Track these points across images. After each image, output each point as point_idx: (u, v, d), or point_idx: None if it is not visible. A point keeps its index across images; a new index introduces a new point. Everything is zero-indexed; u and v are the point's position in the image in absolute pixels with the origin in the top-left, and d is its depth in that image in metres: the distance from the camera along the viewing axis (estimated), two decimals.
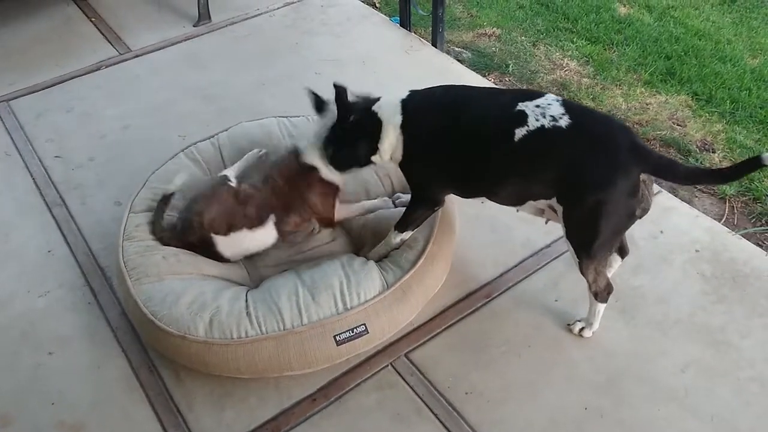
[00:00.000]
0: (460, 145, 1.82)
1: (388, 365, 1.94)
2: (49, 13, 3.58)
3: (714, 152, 2.77)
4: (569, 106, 1.73)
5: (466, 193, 1.98)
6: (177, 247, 2.03)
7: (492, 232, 2.31)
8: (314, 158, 2.05)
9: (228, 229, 2.00)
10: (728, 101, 3.03)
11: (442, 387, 1.88)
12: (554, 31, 3.56)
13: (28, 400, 1.88)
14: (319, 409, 1.84)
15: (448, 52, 3.28)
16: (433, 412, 1.83)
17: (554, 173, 1.73)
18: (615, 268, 2.07)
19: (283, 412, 1.84)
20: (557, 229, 2.28)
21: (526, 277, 2.17)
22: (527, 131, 1.70)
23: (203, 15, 3.45)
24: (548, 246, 2.26)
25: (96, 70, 3.15)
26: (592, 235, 1.74)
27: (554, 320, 2.04)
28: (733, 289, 2.13)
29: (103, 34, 3.39)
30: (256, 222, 2.02)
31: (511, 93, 1.90)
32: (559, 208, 1.77)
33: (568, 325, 2.02)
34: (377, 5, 3.76)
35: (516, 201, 1.88)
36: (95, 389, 1.90)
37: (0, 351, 2.00)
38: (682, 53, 3.36)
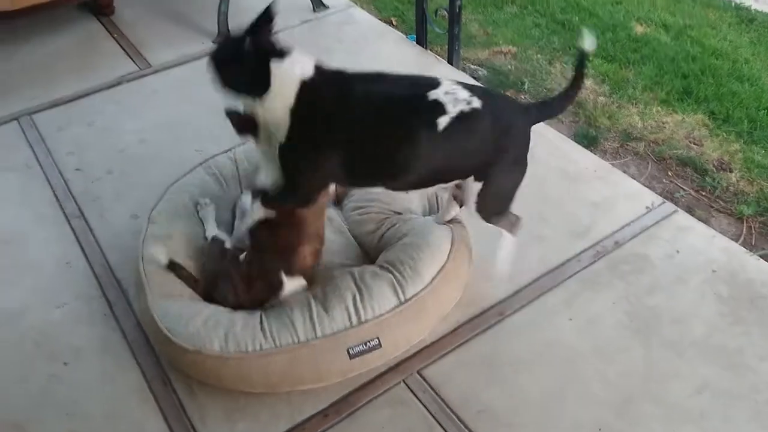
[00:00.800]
0: (365, 133, 1.72)
1: (400, 382, 1.93)
2: (72, 29, 3.65)
3: (731, 172, 2.76)
4: (468, 87, 1.76)
5: (360, 184, 1.90)
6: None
7: None
8: None
9: (263, 302, 1.98)
10: (746, 121, 3.01)
11: (454, 405, 1.87)
12: (570, 49, 3.57)
13: (43, 410, 1.89)
14: (331, 424, 1.84)
15: (463, 70, 3.30)
16: (445, 430, 1.82)
17: (477, 154, 1.77)
18: (453, 214, 2.12)
19: (295, 428, 1.83)
20: (572, 247, 2.30)
21: (540, 295, 2.16)
22: (450, 118, 1.70)
23: (223, 32, 3.50)
24: (562, 264, 2.25)
25: (116, 85, 3.20)
26: (507, 201, 1.91)
27: (568, 339, 2.03)
28: (750, 310, 2.10)
29: (124, 50, 3.45)
30: (279, 288, 1.99)
31: (414, 81, 1.79)
32: (476, 185, 1.82)
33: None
34: (394, 23, 3.80)
35: (423, 185, 1.88)
36: (109, 401, 1.91)
37: (16, 361, 2.02)
38: (699, 72, 3.35)
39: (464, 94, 1.73)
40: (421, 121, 1.71)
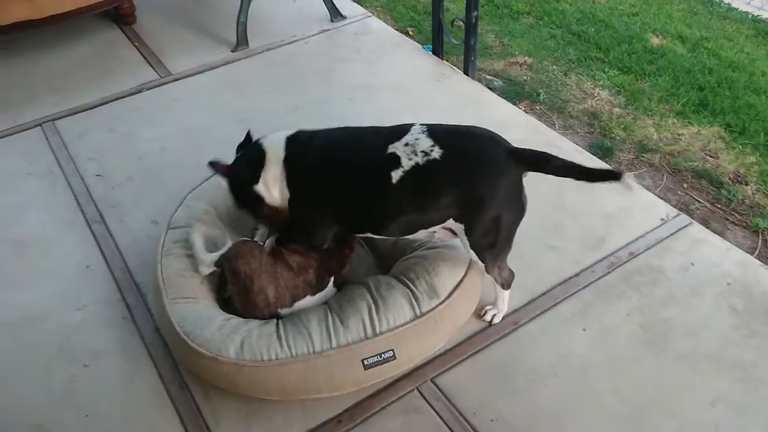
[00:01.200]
0: (343, 187, 1.90)
1: (414, 389, 1.95)
2: (94, 37, 3.72)
3: (747, 185, 2.75)
4: (435, 134, 1.81)
5: (353, 229, 2.02)
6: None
7: (519, 259, 2.30)
8: None
9: (293, 300, 2.01)
10: (762, 133, 3.00)
11: (467, 413, 1.88)
12: (586, 60, 3.58)
13: (63, 411, 1.93)
14: (345, 431, 1.86)
15: (479, 80, 3.32)
16: None
17: (444, 202, 1.82)
18: None
19: None
20: (586, 258, 2.31)
21: (553, 305, 2.17)
22: (403, 172, 1.78)
23: (241, 41, 3.56)
24: (576, 275, 2.26)
25: (137, 92, 3.26)
26: (494, 241, 1.88)
27: (581, 350, 2.04)
28: (765, 323, 2.09)
29: (144, 58, 3.51)
30: (317, 288, 2.05)
31: (382, 134, 1.90)
32: (459, 226, 1.86)
33: (481, 316, 2.10)
34: (410, 33, 3.83)
35: (407, 232, 1.95)
36: (128, 403, 1.95)
37: (37, 362, 2.06)
38: (716, 84, 3.35)
39: (426, 144, 1.79)
40: (378, 175, 1.82)
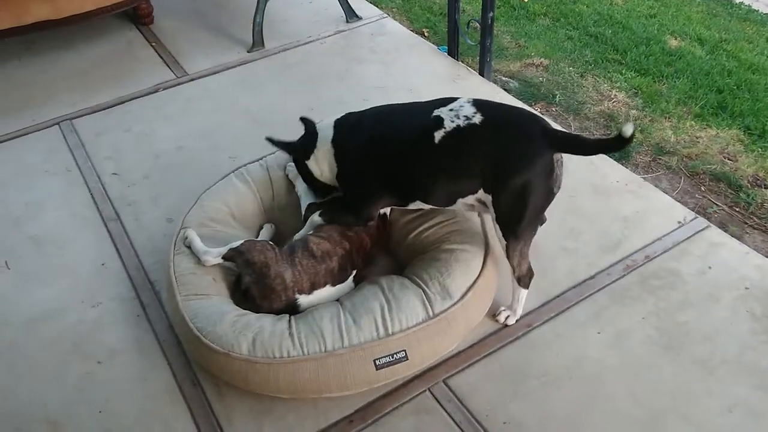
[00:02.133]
0: (390, 153, 2.00)
1: (425, 390, 1.94)
2: (112, 37, 3.76)
3: (766, 188, 2.71)
4: (480, 104, 1.93)
5: (402, 198, 2.08)
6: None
7: (534, 261, 2.29)
8: None
9: (312, 287, 2.01)
10: None
11: (480, 415, 1.87)
12: (603, 62, 3.56)
13: (77, 407, 1.94)
14: (356, 430, 1.85)
15: (495, 82, 3.31)
16: None
17: (477, 167, 1.90)
18: None
19: None
20: (601, 260, 2.29)
21: (567, 308, 2.15)
22: (445, 132, 1.89)
23: (257, 41, 3.57)
24: (591, 278, 2.24)
25: (154, 92, 3.28)
26: (519, 216, 1.90)
27: (596, 353, 2.02)
28: None
29: (162, 58, 3.54)
30: (339, 279, 2.06)
31: (429, 102, 2.04)
32: (488, 198, 1.93)
33: (494, 316, 2.11)
34: (426, 34, 3.82)
35: (447, 200, 2.02)
36: (141, 400, 1.96)
37: (52, 359, 2.08)
38: (735, 87, 3.31)
39: (469, 110, 1.90)
40: (422, 136, 1.94)
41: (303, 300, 2.00)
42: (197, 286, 2.02)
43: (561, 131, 1.93)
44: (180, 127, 3.02)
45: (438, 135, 1.90)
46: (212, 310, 1.96)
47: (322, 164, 2.15)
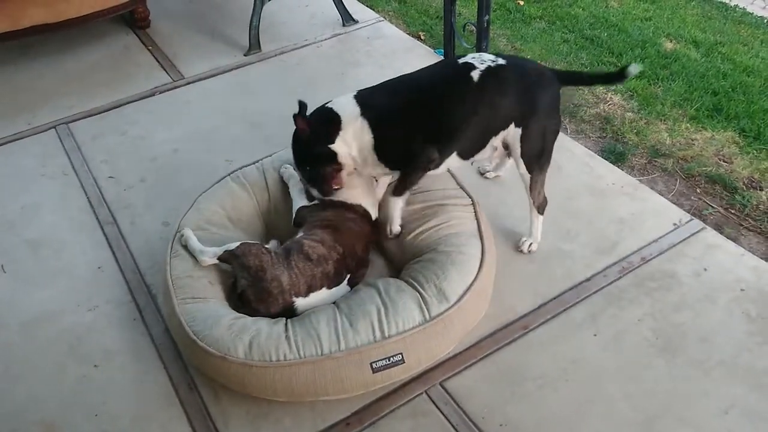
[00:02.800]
0: (431, 105, 2.07)
1: (422, 393, 1.94)
2: (109, 41, 3.76)
3: (761, 190, 2.72)
4: (494, 54, 2.15)
5: (443, 144, 2.12)
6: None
7: (531, 263, 2.31)
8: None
9: (308, 290, 2.01)
10: None
11: (476, 418, 1.87)
12: (599, 65, 3.56)
13: (73, 410, 1.94)
14: None
15: None
16: None
17: (510, 102, 2.09)
18: (507, 164, 2.53)
19: None
20: (598, 262, 2.29)
21: (564, 310, 2.16)
22: (480, 71, 2.06)
23: (254, 45, 3.58)
24: (588, 279, 2.25)
25: (150, 95, 3.28)
26: (542, 147, 2.15)
27: (593, 355, 2.02)
28: None
29: (158, 62, 3.54)
30: (335, 282, 2.06)
31: (448, 63, 2.29)
32: (517, 132, 2.11)
33: (518, 248, 2.33)
34: (422, 38, 3.83)
35: (482, 141, 2.15)
36: (137, 403, 1.95)
37: (48, 362, 2.08)
38: (730, 89, 3.32)
39: (489, 57, 2.11)
40: (459, 79, 2.08)
41: (300, 303, 1.99)
42: (194, 289, 2.02)
43: (560, 70, 2.29)
44: (176, 131, 3.02)
45: (475, 74, 2.06)
46: (209, 313, 1.96)
47: (353, 142, 2.10)
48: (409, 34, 3.78)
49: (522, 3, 4.22)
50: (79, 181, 2.77)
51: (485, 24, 3.09)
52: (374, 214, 2.26)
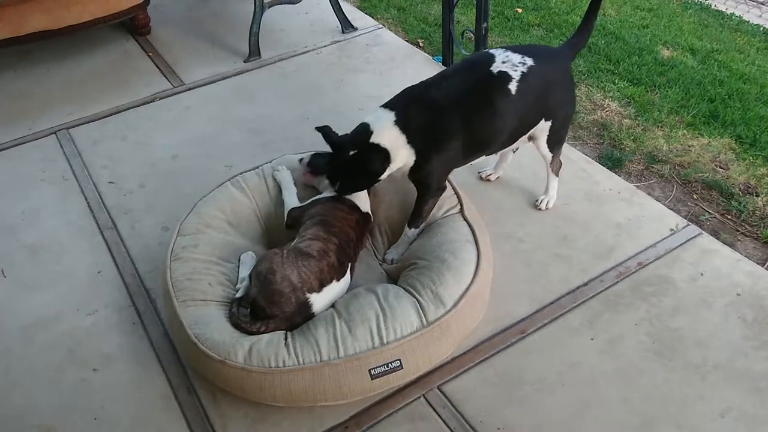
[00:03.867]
0: (468, 122, 2.08)
1: (420, 397, 1.95)
2: (109, 47, 3.78)
3: (758, 196, 2.74)
4: (515, 49, 2.16)
5: (474, 156, 2.22)
6: (266, 332, 1.95)
7: (527, 268, 2.32)
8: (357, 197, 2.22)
9: (320, 284, 2.00)
10: None
11: (474, 421, 1.88)
12: (596, 72, 3.59)
13: (72, 414, 1.95)
14: None
15: None
16: None
17: (543, 100, 2.17)
18: (509, 161, 2.62)
19: None
20: (595, 267, 2.31)
21: (561, 314, 2.17)
22: (517, 82, 2.09)
23: (253, 51, 3.60)
24: (585, 284, 2.26)
25: (150, 101, 3.30)
26: (566, 129, 2.36)
27: (590, 359, 2.03)
28: None
29: (158, 68, 3.56)
30: (340, 272, 2.06)
31: (474, 65, 2.17)
32: (546, 125, 2.23)
33: (536, 206, 2.52)
34: (421, 45, 3.86)
35: (512, 141, 2.25)
36: (136, 407, 1.96)
37: (47, 365, 2.09)
38: (726, 96, 3.34)
39: (517, 58, 2.12)
40: (497, 94, 2.09)
41: (315, 298, 1.98)
42: (194, 291, 2.03)
43: (565, 45, 2.33)
44: (176, 136, 3.04)
45: (513, 87, 2.08)
46: (212, 317, 1.97)
47: (395, 166, 2.10)
48: (407, 41, 3.81)
49: (520, 10, 4.25)
50: (79, 186, 2.79)
51: (483, 31, 3.12)
52: (363, 207, 2.25)
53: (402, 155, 2.06)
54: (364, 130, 2.06)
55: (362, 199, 2.26)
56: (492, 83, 2.08)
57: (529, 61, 2.11)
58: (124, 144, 3.02)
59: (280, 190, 2.38)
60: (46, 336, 2.17)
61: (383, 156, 2.05)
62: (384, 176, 2.09)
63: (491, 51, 2.17)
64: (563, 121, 2.29)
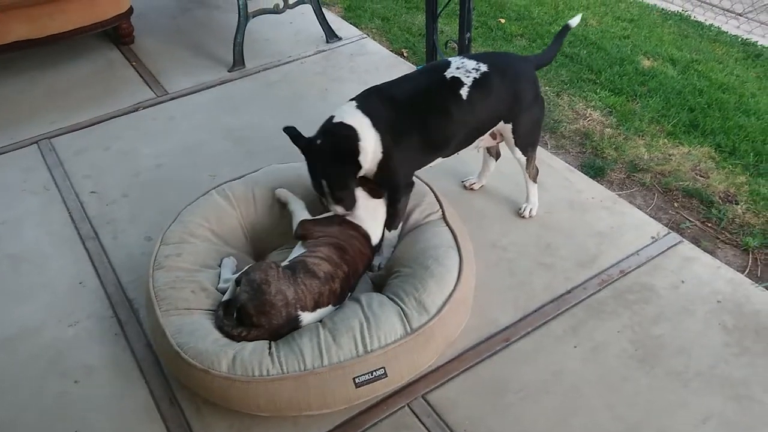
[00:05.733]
0: (423, 121, 2.14)
1: (405, 406, 1.94)
2: (93, 57, 3.76)
3: (737, 204, 2.77)
4: (473, 57, 2.26)
5: (433, 156, 2.26)
6: (251, 339, 1.94)
7: (511, 277, 2.34)
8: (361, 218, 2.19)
9: (315, 305, 2.00)
10: (752, 154, 3.03)
11: (458, 430, 1.88)
12: (578, 82, 3.63)
13: (53, 427, 1.92)
14: None
15: None
16: None
17: (499, 105, 2.24)
18: (491, 169, 2.66)
19: None
20: (578, 275, 2.32)
21: (545, 322, 2.18)
22: (468, 87, 2.16)
23: (238, 61, 3.60)
24: (568, 292, 2.27)
25: (134, 111, 3.29)
26: (534, 131, 2.39)
27: (573, 367, 2.04)
28: (756, 341, 2.10)
29: (142, 78, 3.55)
30: (340, 299, 2.06)
31: (431, 72, 2.28)
32: (506, 127, 2.31)
33: (519, 214, 2.56)
34: (405, 54, 3.88)
35: (468, 143, 2.30)
36: (118, 419, 1.94)
37: (28, 377, 2.06)
38: (706, 106, 3.39)
39: (472, 64, 2.20)
40: (451, 96, 2.16)
41: (305, 317, 1.97)
42: (177, 299, 2.01)
43: (534, 57, 2.44)
44: (160, 146, 3.03)
45: (464, 92, 2.16)
46: (196, 326, 1.95)
47: (370, 153, 2.08)
48: (392, 51, 3.83)
49: (503, 21, 4.29)
50: (61, 196, 2.76)
51: (467, 41, 3.15)
52: (374, 239, 2.23)
53: (370, 137, 2.05)
54: (327, 119, 2.13)
55: (375, 234, 2.23)
56: (445, 87, 2.17)
57: (483, 68, 2.19)
58: (107, 154, 3.00)
59: (265, 200, 2.37)
60: (27, 347, 2.15)
61: (352, 133, 2.04)
62: (364, 159, 2.05)
63: (450, 58, 2.27)
64: (528, 124, 2.33)
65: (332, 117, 2.11)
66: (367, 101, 2.13)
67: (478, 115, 2.22)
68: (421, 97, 2.17)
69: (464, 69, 2.19)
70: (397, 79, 2.28)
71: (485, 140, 2.37)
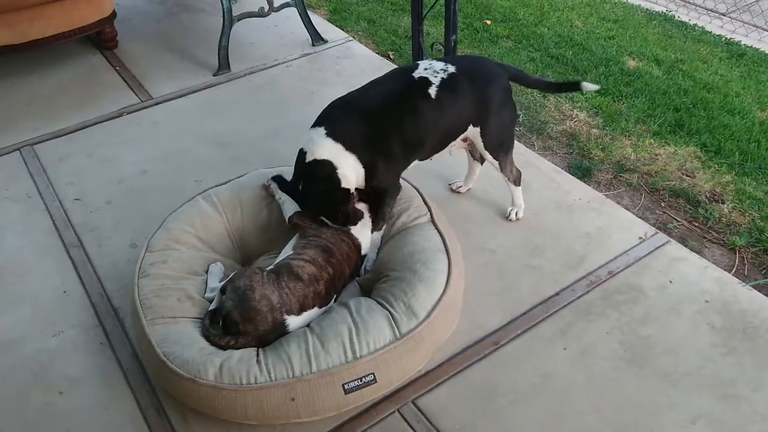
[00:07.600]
0: (397, 124, 2.16)
1: (395, 411, 1.93)
2: (76, 62, 3.72)
3: (723, 203, 2.79)
4: (442, 59, 2.29)
5: (411, 158, 2.26)
6: (239, 347, 1.92)
7: (499, 280, 2.33)
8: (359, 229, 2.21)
9: (301, 308, 1.99)
10: (737, 153, 3.05)
11: None
12: None
13: None
14: None
15: None
16: None
17: (466, 107, 2.24)
18: (477, 173, 2.66)
19: None
20: (566, 277, 2.32)
21: (534, 325, 2.17)
22: (436, 87, 2.18)
23: (223, 65, 3.58)
24: (557, 294, 2.27)
25: (118, 116, 3.26)
26: (502, 137, 2.36)
27: (563, 369, 2.04)
28: (743, 340, 2.11)
29: (126, 82, 3.52)
30: (325, 301, 2.05)
31: (399, 75, 2.31)
32: (476, 131, 2.29)
33: (507, 218, 2.55)
34: (391, 57, 3.87)
35: (442, 145, 2.30)
36: (104, 430, 1.91)
37: (11, 389, 2.03)
38: (691, 105, 3.41)
39: (440, 65, 2.23)
40: (420, 96, 2.18)
41: (292, 321, 1.96)
42: (162, 308, 1.99)
43: (506, 65, 2.43)
44: (144, 152, 3.00)
45: (432, 91, 2.17)
46: (182, 335, 1.93)
47: (352, 173, 2.14)
48: (378, 53, 3.82)
49: (489, 22, 4.29)
50: (44, 203, 2.73)
51: (453, 43, 3.14)
52: (365, 246, 2.24)
53: (347, 163, 2.11)
54: (300, 156, 2.15)
55: (365, 242, 2.24)
56: (414, 87, 2.19)
57: (451, 69, 2.21)
58: (91, 160, 2.97)
59: (251, 206, 2.35)
60: (10, 359, 2.11)
61: (328, 167, 2.10)
62: (348, 182, 2.13)
63: (419, 61, 2.31)
64: (497, 128, 2.31)
65: (303, 153, 2.14)
66: (336, 124, 2.14)
67: (447, 116, 2.22)
68: (392, 101, 2.18)
69: (432, 70, 2.21)
70: (364, 86, 2.28)
71: (457, 144, 2.36)
